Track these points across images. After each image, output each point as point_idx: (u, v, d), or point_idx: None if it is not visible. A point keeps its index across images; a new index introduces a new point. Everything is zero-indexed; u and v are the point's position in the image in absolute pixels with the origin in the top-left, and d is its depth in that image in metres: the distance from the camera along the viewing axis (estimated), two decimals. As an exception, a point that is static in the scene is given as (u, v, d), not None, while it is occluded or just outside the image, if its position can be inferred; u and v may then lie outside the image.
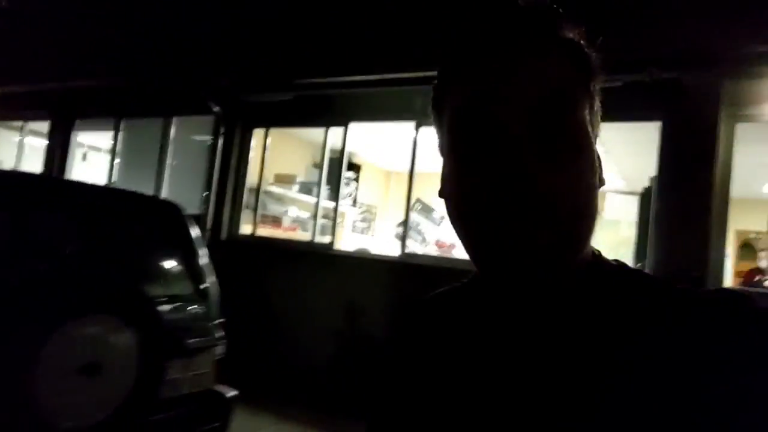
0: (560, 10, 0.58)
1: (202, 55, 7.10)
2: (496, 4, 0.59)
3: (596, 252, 0.64)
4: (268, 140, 7.19)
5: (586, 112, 0.57)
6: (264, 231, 7.23)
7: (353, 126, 6.55)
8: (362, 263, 6.41)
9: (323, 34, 6.25)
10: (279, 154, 7.58)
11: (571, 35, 0.58)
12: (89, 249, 2.53)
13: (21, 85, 8.73)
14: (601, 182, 0.60)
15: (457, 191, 0.57)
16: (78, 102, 8.56)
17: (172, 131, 7.86)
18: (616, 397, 0.50)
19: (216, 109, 7.00)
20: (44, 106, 8.84)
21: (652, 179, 5.27)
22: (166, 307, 2.69)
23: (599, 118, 0.61)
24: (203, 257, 3.20)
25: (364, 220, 10.02)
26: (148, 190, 7.58)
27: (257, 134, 7.20)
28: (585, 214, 0.55)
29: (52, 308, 2.08)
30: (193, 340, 2.94)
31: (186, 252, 3.14)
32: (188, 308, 2.98)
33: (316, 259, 6.46)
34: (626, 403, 0.49)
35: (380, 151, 8.60)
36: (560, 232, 0.53)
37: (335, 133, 6.75)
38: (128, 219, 2.85)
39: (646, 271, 5.41)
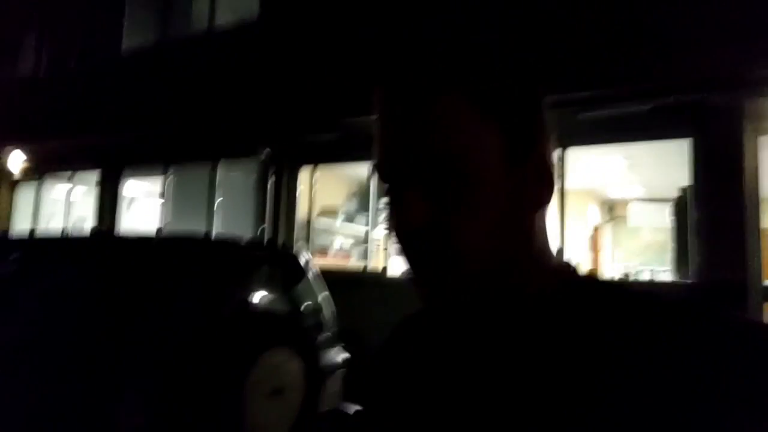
0: (464, 49, 0.57)
1: (250, 101, 7.63)
2: (396, 49, 0.59)
3: (562, 267, 0.61)
4: (316, 176, 7.70)
5: (491, 154, 0.54)
6: (318, 261, 7.69)
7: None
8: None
9: (366, 75, 6.79)
10: (320, 188, 8.08)
11: (475, 76, 0.55)
12: (258, 291, 3.01)
13: (70, 139, 9.25)
14: (540, 203, 0.57)
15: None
16: (126, 151, 9.08)
17: (219, 173, 8.37)
18: (586, 422, 0.48)
19: (266, 150, 7.50)
20: (93, 157, 9.35)
21: (685, 189, 5.77)
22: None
23: (525, 146, 0.56)
24: (324, 291, 3.68)
25: (390, 243, 10.50)
26: (200, 230, 8.07)
27: (305, 171, 7.70)
28: (493, 255, 0.54)
29: (256, 341, 2.55)
30: (328, 363, 3.39)
31: (309, 289, 3.61)
32: (321, 336, 3.45)
33: (371, 285, 6.92)
34: (597, 428, 0.47)
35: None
36: (463, 277, 0.54)
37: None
38: (270, 265, 3.34)
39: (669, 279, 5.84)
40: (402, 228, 0.54)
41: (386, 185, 0.57)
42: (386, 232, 7.44)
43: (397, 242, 0.56)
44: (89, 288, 2.75)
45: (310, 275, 3.67)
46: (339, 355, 3.59)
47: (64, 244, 3.35)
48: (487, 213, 0.54)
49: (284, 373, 2.77)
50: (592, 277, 0.60)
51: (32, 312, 3.08)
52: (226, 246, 3.33)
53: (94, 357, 2.40)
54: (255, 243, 3.70)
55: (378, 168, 0.57)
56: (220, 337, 2.58)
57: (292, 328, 2.86)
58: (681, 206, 5.90)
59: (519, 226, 0.56)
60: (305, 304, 3.56)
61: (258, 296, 3.01)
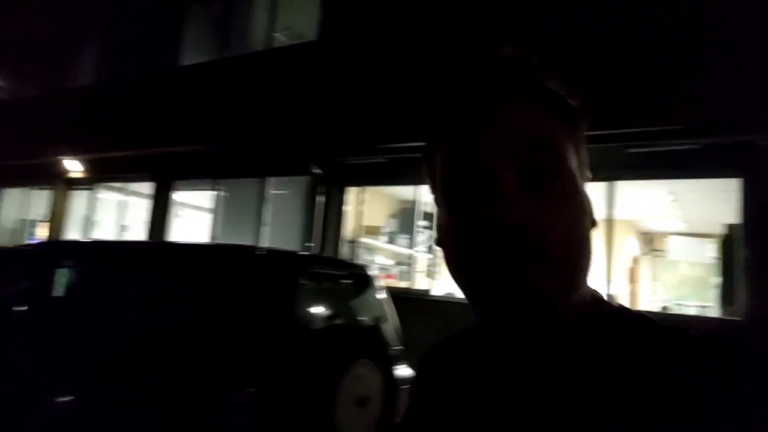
0: (537, 61, 0.60)
1: (302, 121, 7.96)
2: (475, 59, 0.61)
3: (596, 294, 0.63)
4: (362, 197, 7.98)
5: (572, 157, 0.58)
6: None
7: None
8: (459, 307, 7.03)
9: (414, 103, 7.05)
10: (366, 208, 8.34)
11: (550, 85, 0.59)
12: (343, 304, 3.25)
13: (125, 150, 9.70)
14: (593, 224, 0.60)
15: (452, 241, 0.58)
16: (179, 163, 9.48)
17: (269, 190, 8.69)
18: None
19: (316, 170, 7.81)
20: (146, 168, 9.77)
21: (731, 226, 5.88)
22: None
23: (586, 162, 0.61)
24: (391, 306, 3.90)
25: (433, 264, 10.70)
26: (248, 244, 8.36)
27: (352, 191, 7.98)
28: (578, 256, 0.55)
29: (346, 352, 2.78)
30: (399, 377, 3.59)
31: (378, 304, 3.84)
32: (393, 350, 3.65)
33: (416, 305, 7.11)
34: None
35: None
36: (555, 277, 0.53)
37: (424, 189, 7.53)
38: (351, 280, 3.59)
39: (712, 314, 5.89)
40: (500, 219, 0.52)
41: (457, 191, 0.57)
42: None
43: (485, 237, 0.53)
44: (189, 295, 3.00)
45: (378, 290, 3.90)
46: (405, 371, 3.79)
47: (158, 250, 3.63)
48: (576, 214, 0.56)
49: (368, 384, 2.98)
50: (624, 307, 0.63)
51: (130, 315, 3.35)
52: (319, 261, 3.58)
53: (198, 361, 2.64)
54: (335, 259, 3.95)
55: (455, 165, 0.57)
56: (315, 347, 2.81)
57: (373, 340, 3.08)
58: (728, 243, 5.99)
59: (588, 237, 0.57)
60: (377, 317, 3.79)
61: (343, 309, 3.24)
